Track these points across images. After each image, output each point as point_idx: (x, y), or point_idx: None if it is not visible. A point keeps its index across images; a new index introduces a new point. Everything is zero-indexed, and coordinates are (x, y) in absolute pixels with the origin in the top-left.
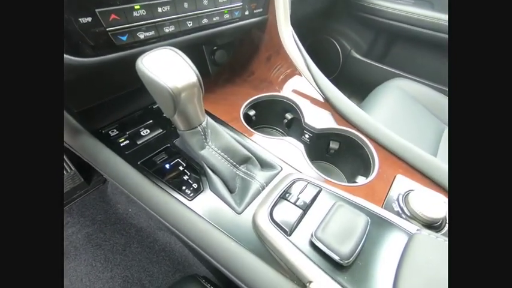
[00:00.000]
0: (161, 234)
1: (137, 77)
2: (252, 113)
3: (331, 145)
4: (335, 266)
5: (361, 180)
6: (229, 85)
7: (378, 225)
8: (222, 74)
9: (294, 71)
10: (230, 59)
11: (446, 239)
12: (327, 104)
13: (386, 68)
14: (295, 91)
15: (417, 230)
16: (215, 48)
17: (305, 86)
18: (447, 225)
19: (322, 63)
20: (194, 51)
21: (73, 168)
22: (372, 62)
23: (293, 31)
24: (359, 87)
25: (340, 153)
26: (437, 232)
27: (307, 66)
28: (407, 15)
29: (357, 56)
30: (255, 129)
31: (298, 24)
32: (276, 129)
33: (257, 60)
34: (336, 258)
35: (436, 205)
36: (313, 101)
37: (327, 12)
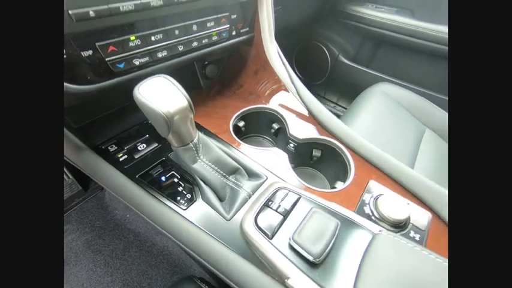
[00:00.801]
0: (159, 238)
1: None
2: (241, 124)
3: (314, 153)
4: (309, 264)
5: (339, 185)
6: (220, 97)
7: (347, 227)
8: (213, 86)
9: (280, 87)
10: (220, 73)
11: (404, 238)
12: (311, 117)
13: (372, 72)
14: (281, 105)
15: (379, 230)
16: (206, 63)
17: (291, 100)
18: (410, 224)
19: (312, 68)
20: (186, 66)
21: (71, 176)
22: (359, 67)
23: (278, 47)
24: (347, 90)
25: (322, 160)
26: (402, 231)
27: (292, 82)
28: (390, 23)
29: (344, 61)
30: (245, 138)
31: (288, 30)
32: (265, 138)
33: (245, 73)
34: (310, 257)
35: (400, 207)
36: (298, 114)
37: (315, 19)
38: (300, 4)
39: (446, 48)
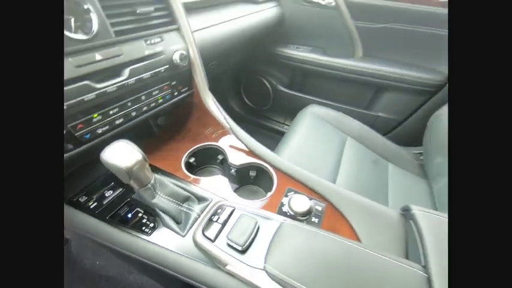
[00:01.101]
0: (132, 277)
1: (97, 153)
2: (192, 160)
3: (250, 173)
4: (239, 252)
5: (269, 195)
6: (172, 141)
7: (264, 222)
8: (165, 133)
9: (224, 132)
10: (171, 121)
11: (303, 223)
12: (250, 151)
13: (305, 96)
14: (225, 144)
15: (284, 220)
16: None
17: (233, 140)
18: (313, 212)
19: (258, 96)
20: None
21: None
22: (294, 93)
23: (213, 97)
24: (290, 111)
25: (258, 177)
26: (308, 218)
27: (230, 126)
28: (308, 59)
29: (282, 89)
30: (197, 170)
31: (234, 68)
32: (214, 167)
33: (191, 120)
34: (238, 247)
35: (305, 202)
36: (239, 149)
37: (254, 59)
38: (232, 56)
39: (351, 75)
